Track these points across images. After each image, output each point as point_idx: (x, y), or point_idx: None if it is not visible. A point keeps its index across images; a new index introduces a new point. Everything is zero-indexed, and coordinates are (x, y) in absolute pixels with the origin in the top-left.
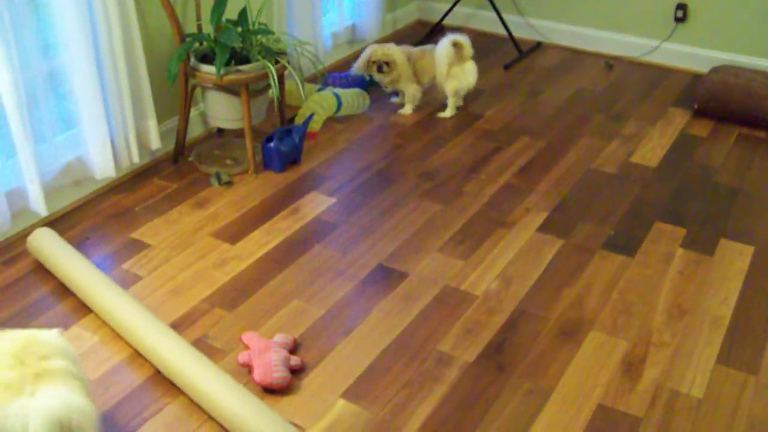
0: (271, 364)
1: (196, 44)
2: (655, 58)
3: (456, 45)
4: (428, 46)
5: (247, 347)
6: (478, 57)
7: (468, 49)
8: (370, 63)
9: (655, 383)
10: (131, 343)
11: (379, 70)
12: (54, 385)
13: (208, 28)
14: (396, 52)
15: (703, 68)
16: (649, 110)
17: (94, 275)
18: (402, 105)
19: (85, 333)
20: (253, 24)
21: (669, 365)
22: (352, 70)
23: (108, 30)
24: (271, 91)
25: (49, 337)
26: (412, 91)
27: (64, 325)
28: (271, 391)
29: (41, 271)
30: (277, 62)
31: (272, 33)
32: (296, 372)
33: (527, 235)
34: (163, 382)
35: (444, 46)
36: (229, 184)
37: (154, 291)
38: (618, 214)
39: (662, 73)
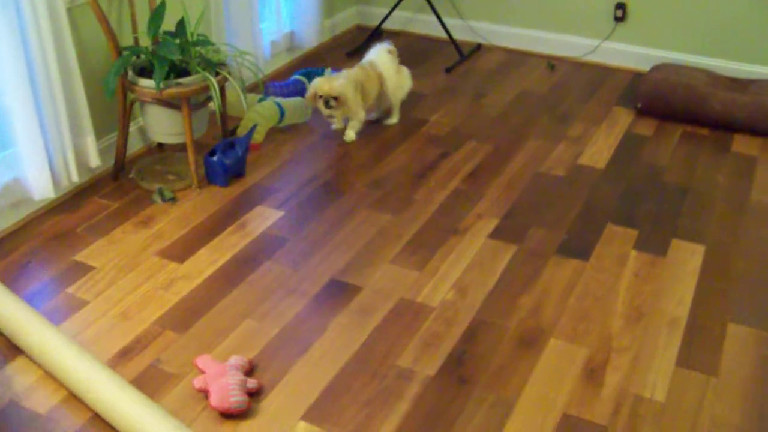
0: (227, 388)
1: (134, 57)
2: (597, 58)
3: (390, 52)
4: (365, 62)
5: (202, 371)
6: (419, 61)
7: (396, 54)
8: (315, 97)
9: (618, 389)
10: (66, 386)
11: (327, 105)
12: None
13: (145, 41)
14: (344, 86)
15: (644, 66)
16: (594, 110)
17: (20, 313)
18: (342, 131)
19: (29, 365)
20: (192, 35)
21: (630, 370)
22: (290, 80)
23: (40, 45)
24: (212, 103)
25: None
26: (360, 118)
27: (9, 356)
28: (229, 416)
29: None
30: (217, 74)
31: (212, 44)
32: (254, 395)
33: (480, 242)
34: (105, 424)
35: (383, 56)
36: (172, 200)
37: (101, 315)
38: (569, 217)
39: (604, 72)
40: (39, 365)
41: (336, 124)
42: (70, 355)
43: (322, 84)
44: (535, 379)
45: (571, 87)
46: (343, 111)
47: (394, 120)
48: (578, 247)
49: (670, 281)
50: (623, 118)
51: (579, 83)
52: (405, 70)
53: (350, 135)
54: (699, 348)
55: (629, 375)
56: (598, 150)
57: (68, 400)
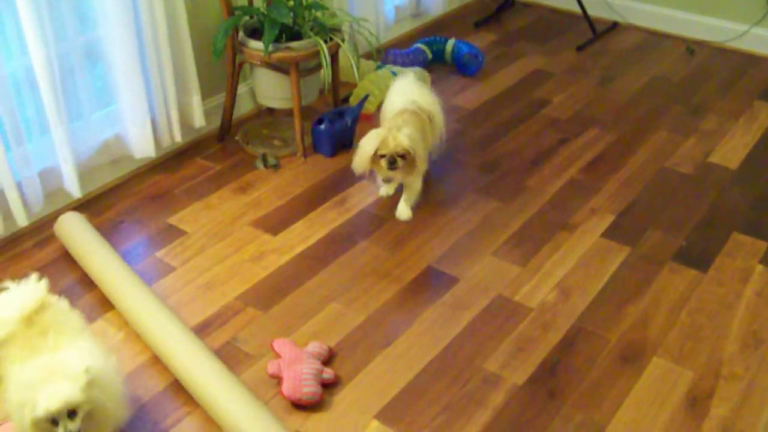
0: (301, 377)
1: (246, 18)
2: (742, 45)
3: (425, 80)
4: (407, 102)
5: (278, 355)
6: (549, 37)
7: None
8: (376, 157)
9: (723, 424)
10: (151, 348)
11: (391, 166)
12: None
13: (258, 1)
14: (414, 139)
15: None
16: (733, 103)
17: (117, 270)
18: (388, 199)
19: (109, 328)
20: None
21: (740, 403)
22: (411, 49)
23: (149, 0)
24: (323, 70)
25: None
26: (420, 183)
27: (90, 318)
28: (300, 407)
29: (71, 256)
30: (330, 39)
31: (326, 8)
32: (328, 386)
33: (591, 240)
34: (185, 389)
35: (424, 90)
36: (275, 167)
37: (186, 284)
38: (691, 221)
39: (749, 61)
40: (128, 324)
41: (387, 190)
42: (161, 316)
43: (386, 138)
44: (632, 402)
45: (710, 75)
46: (407, 173)
47: (406, 212)
48: (697, 255)
49: None
50: (765, 114)
51: (719, 72)
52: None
53: (406, 212)
54: None
55: (738, 409)
56: (733, 148)
57: (143, 368)
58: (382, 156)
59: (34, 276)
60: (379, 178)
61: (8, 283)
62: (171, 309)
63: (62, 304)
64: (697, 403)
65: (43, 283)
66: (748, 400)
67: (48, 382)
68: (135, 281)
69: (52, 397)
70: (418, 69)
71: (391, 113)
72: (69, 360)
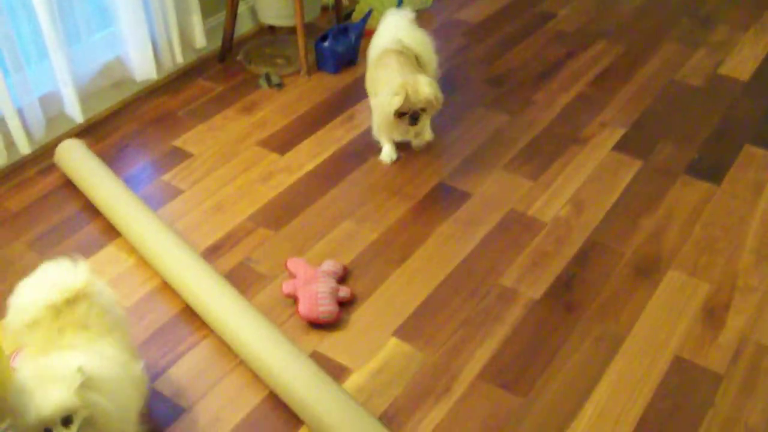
0: (317, 296)
1: None
2: None
3: (413, 22)
4: (395, 44)
5: (292, 275)
6: None
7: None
8: (396, 114)
9: (740, 335)
10: (161, 274)
11: (414, 120)
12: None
13: None
14: (434, 85)
15: None
16: (742, 14)
17: (120, 196)
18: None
19: (120, 254)
20: None
21: (756, 314)
22: None
23: None
24: None
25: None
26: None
27: (98, 244)
28: (317, 326)
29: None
30: None
31: None
32: (345, 304)
33: (602, 154)
34: (190, 319)
35: (411, 30)
36: (279, 86)
37: (195, 207)
38: (703, 134)
39: None
40: (135, 250)
41: (392, 154)
42: (168, 243)
43: (407, 93)
44: (648, 314)
45: None
46: (425, 120)
47: (426, 137)
48: (710, 168)
49: None
50: None
51: None
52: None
53: (428, 134)
54: None
55: (754, 320)
56: (743, 59)
57: (154, 294)
58: (403, 114)
59: (78, 260)
60: (387, 143)
61: (54, 261)
62: (178, 234)
63: (104, 297)
64: (713, 314)
65: (84, 271)
66: (764, 311)
67: (41, 386)
68: (139, 208)
69: (43, 403)
70: None
71: (375, 54)
72: (66, 361)
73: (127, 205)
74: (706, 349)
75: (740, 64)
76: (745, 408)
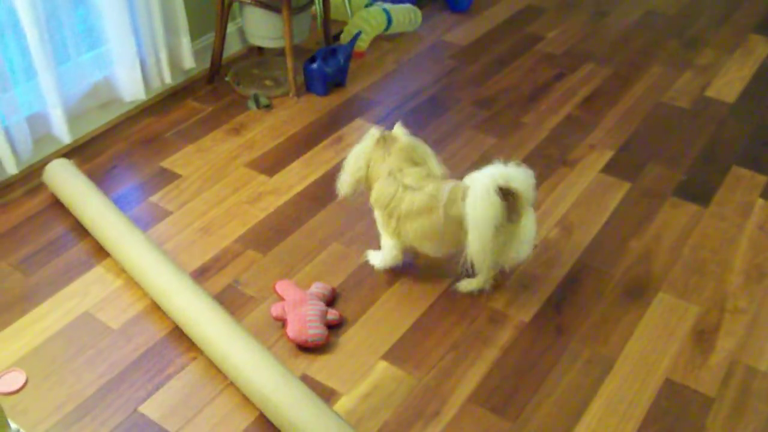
0: (306, 319)
1: None
2: None
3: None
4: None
5: (281, 298)
6: None
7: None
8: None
9: (730, 357)
10: (149, 295)
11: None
12: None
13: None
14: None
15: None
16: (727, 37)
17: (109, 217)
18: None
19: (107, 275)
20: None
21: (745, 336)
22: None
23: None
24: (314, 7)
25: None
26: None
27: (87, 265)
28: (306, 349)
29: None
30: None
31: None
32: (334, 327)
33: (591, 176)
34: (177, 340)
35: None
36: (267, 107)
37: (183, 228)
38: (691, 155)
39: None
40: (124, 271)
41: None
42: (157, 263)
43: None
44: (638, 337)
45: (704, 8)
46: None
47: None
48: (698, 189)
49: None
50: (760, 48)
51: (712, 4)
52: None
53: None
54: None
55: (744, 342)
56: (729, 82)
57: (142, 315)
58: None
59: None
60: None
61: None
62: (167, 254)
63: None
64: (703, 337)
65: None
66: (754, 333)
67: None
68: (128, 228)
69: None
70: (409, 5)
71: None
72: None
73: (115, 226)
74: (696, 372)
75: (726, 86)
76: (736, 431)
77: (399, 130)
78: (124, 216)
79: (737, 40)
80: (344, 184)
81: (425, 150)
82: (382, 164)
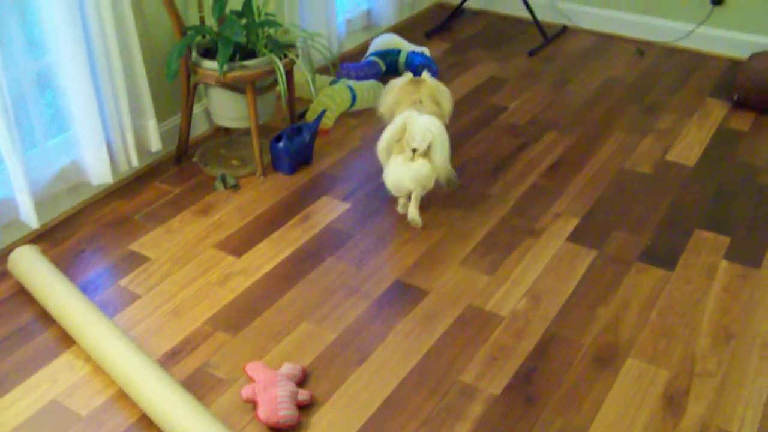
0: (277, 400)
1: (198, 38)
2: (690, 44)
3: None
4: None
5: (251, 379)
6: (501, 43)
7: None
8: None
9: (701, 420)
10: (117, 382)
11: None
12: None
13: (211, 20)
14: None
15: (743, 54)
16: (685, 101)
17: (75, 303)
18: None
19: (76, 361)
20: (259, 14)
21: (716, 399)
22: (365, 62)
23: (100, 23)
24: (278, 87)
25: None
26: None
27: (54, 352)
28: (278, 430)
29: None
30: (285, 56)
31: (279, 25)
32: (305, 407)
33: (557, 245)
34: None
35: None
36: (235, 187)
37: (152, 311)
38: (654, 220)
39: (698, 59)
40: (92, 358)
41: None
42: (125, 348)
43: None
44: (610, 404)
45: (661, 75)
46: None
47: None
48: (663, 254)
49: (764, 298)
50: (717, 111)
51: (670, 71)
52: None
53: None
54: None
55: (714, 405)
56: (689, 145)
57: (111, 402)
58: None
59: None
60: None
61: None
62: (133, 340)
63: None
64: (673, 401)
65: None
66: (723, 395)
67: None
68: (94, 314)
69: None
70: (373, 81)
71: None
72: None
73: (81, 312)
74: None
75: (686, 150)
76: None
77: (426, 75)
78: (89, 303)
79: (695, 104)
80: (382, 106)
81: (445, 92)
82: (411, 95)
